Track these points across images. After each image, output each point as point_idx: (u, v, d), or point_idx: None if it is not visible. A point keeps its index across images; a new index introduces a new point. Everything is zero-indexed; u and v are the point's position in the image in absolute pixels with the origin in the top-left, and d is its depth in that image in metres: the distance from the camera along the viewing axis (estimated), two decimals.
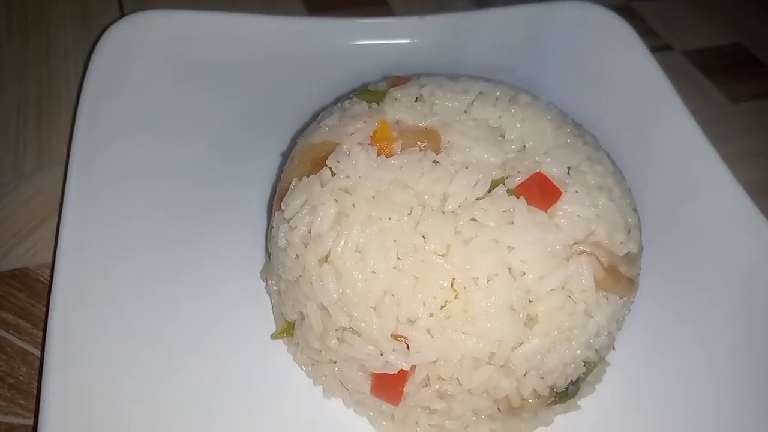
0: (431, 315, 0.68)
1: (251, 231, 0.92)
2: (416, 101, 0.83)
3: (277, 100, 1.08)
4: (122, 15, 1.23)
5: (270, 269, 0.85)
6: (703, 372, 0.87)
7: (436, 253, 0.69)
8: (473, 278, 0.69)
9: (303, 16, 1.23)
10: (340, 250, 0.71)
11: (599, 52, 1.22)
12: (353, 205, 0.72)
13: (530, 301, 0.70)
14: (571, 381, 0.77)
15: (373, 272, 0.70)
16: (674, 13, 1.64)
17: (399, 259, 0.70)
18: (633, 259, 0.78)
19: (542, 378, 0.72)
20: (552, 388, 0.75)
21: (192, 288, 0.87)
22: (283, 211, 0.78)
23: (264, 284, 0.88)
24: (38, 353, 0.84)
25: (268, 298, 0.87)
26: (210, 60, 1.11)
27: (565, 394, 0.77)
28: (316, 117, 0.90)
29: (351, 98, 0.87)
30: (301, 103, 1.05)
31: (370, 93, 0.86)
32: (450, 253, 0.69)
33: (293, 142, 0.91)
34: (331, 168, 0.76)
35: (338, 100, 0.92)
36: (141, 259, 0.88)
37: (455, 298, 0.69)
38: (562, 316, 0.70)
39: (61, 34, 1.27)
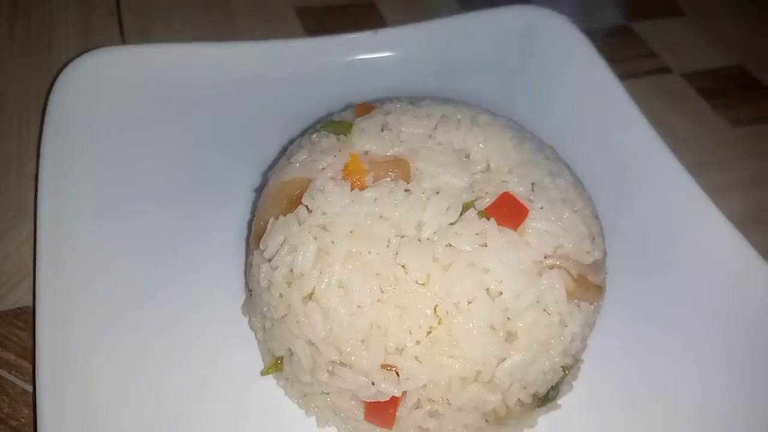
0: (418, 342, 0.71)
1: (229, 267, 0.93)
2: (382, 130, 0.85)
3: (246, 130, 1.08)
4: (123, 39, 1.26)
5: (252, 306, 0.86)
6: (672, 362, 0.92)
7: (417, 282, 0.72)
8: (455, 303, 0.72)
9: (265, 40, 1.23)
10: (324, 287, 0.73)
11: (552, 57, 1.26)
12: (332, 242, 0.75)
13: (509, 319, 0.74)
14: (552, 386, 0.81)
15: (358, 306, 0.72)
16: (674, 34, 1.62)
17: (382, 291, 0.72)
18: (599, 265, 0.83)
19: (525, 388, 0.77)
20: (534, 395, 0.79)
21: (174, 326, 0.87)
22: (263, 251, 0.79)
23: (247, 320, 0.89)
24: None
25: (252, 334, 0.88)
26: (174, 94, 1.11)
27: (547, 398, 0.82)
28: (285, 150, 0.91)
29: (318, 131, 0.89)
30: (270, 132, 1.06)
31: (336, 125, 0.88)
32: (430, 281, 0.72)
33: (265, 177, 0.92)
34: (306, 206, 0.78)
35: (305, 131, 0.94)
36: (119, 302, 0.88)
37: (439, 323, 0.72)
38: (540, 329, 0.75)
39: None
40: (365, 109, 0.91)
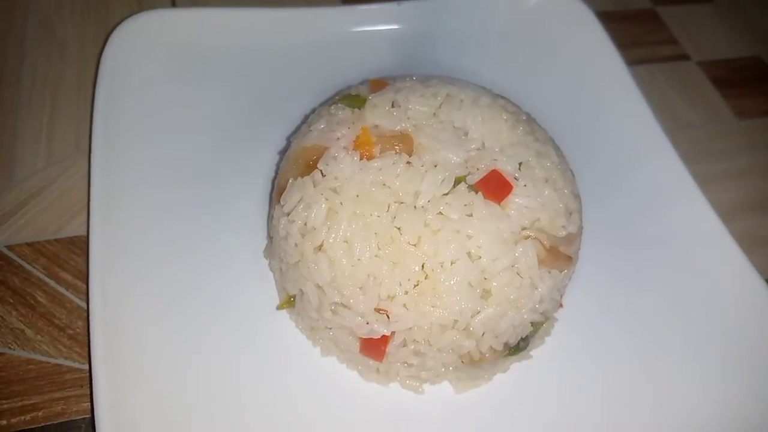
0: (406, 292, 0.85)
1: (255, 217, 1.07)
2: (392, 107, 0.97)
3: (276, 96, 1.21)
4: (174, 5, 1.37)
5: (272, 251, 1.01)
6: (643, 326, 1.03)
7: (409, 243, 0.86)
8: (440, 262, 0.85)
9: (328, 6, 1.35)
10: (331, 241, 0.87)
11: (561, 36, 1.35)
12: (341, 204, 0.88)
13: (485, 279, 0.87)
14: (522, 338, 0.95)
15: (358, 259, 0.86)
16: (699, 21, 1.65)
17: (379, 248, 0.86)
18: (572, 239, 0.95)
19: (497, 337, 0.90)
20: (506, 344, 0.93)
21: (206, 264, 1.02)
22: (282, 206, 0.93)
23: (268, 262, 1.04)
24: None
25: (272, 275, 1.03)
26: (212, 56, 1.23)
27: (517, 348, 0.96)
28: (306, 119, 1.04)
29: (336, 103, 1.01)
30: (296, 100, 1.19)
31: (352, 99, 1.00)
32: (420, 242, 0.86)
33: (288, 142, 1.05)
34: (321, 170, 0.91)
35: (326, 102, 1.06)
36: (160, 237, 1.03)
37: (425, 278, 0.85)
38: (511, 289, 0.88)
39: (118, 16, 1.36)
40: (379, 84, 1.02)
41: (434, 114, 0.97)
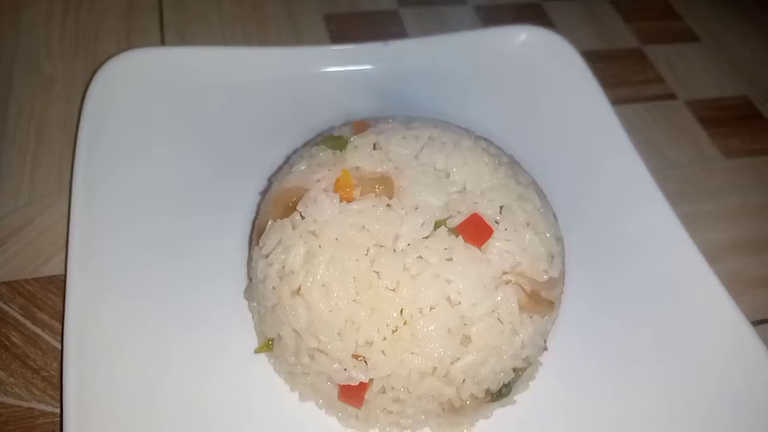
0: (384, 339, 0.84)
1: (236, 257, 1.06)
2: (374, 149, 0.97)
3: (258, 136, 1.21)
4: (162, 40, 1.40)
5: (251, 293, 1.00)
6: (628, 369, 1.01)
7: (387, 288, 0.85)
8: (419, 308, 0.84)
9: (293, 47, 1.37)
10: (309, 285, 0.86)
11: (547, 76, 1.37)
12: (320, 247, 0.87)
13: (465, 324, 0.85)
14: (504, 384, 0.93)
15: (336, 304, 0.85)
16: (686, 60, 1.66)
17: (357, 293, 0.85)
18: (554, 283, 0.94)
19: (478, 384, 0.89)
20: (488, 391, 0.91)
21: (185, 305, 1.00)
22: (261, 248, 0.92)
23: (248, 304, 1.03)
24: None
25: (251, 316, 1.01)
26: (197, 95, 1.24)
27: (500, 394, 0.94)
28: (288, 159, 1.04)
29: (318, 144, 1.01)
30: (278, 140, 1.19)
31: (334, 140, 1.00)
32: (399, 287, 0.84)
33: (269, 182, 1.05)
34: (300, 212, 0.91)
35: (308, 143, 1.06)
36: (138, 278, 1.01)
37: (404, 324, 0.84)
38: (492, 335, 0.86)
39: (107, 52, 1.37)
40: (362, 126, 1.02)
41: (416, 156, 0.97)
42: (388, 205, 0.90)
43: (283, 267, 0.89)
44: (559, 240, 0.98)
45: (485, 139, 1.05)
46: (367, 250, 0.87)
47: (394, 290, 0.85)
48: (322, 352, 0.86)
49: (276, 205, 0.95)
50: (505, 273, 0.88)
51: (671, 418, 0.98)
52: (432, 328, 0.84)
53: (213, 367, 0.96)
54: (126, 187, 1.10)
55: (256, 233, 0.97)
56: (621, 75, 1.60)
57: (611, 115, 1.30)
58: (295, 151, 1.07)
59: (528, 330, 0.89)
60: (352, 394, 0.88)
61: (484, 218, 0.90)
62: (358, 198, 0.91)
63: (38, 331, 1.01)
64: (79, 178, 1.07)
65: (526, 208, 0.95)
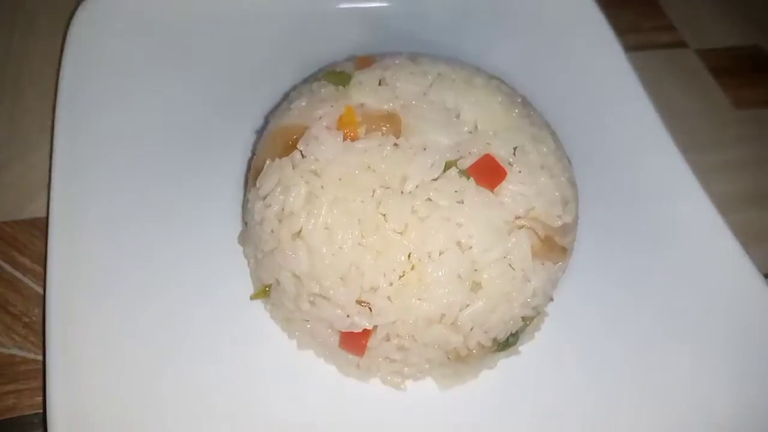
0: (391, 284, 0.79)
1: (230, 200, 1.00)
2: (379, 85, 0.91)
3: (253, 74, 1.13)
4: None
5: (247, 238, 0.94)
6: (634, 324, 0.98)
7: (395, 231, 0.79)
8: (427, 252, 0.79)
9: None
10: (310, 227, 0.81)
11: (559, 22, 1.30)
12: (322, 187, 0.82)
13: (476, 270, 0.81)
14: (511, 333, 0.89)
15: (340, 248, 0.80)
16: (698, 8, 1.58)
17: (363, 236, 0.80)
18: (568, 229, 0.90)
19: (486, 332, 0.85)
20: (494, 340, 0.88)
21: (176, 249, 0.95)
22: (258, 189, 0.87)
23: (242, 249, 0.97)
24: None
25: (246, 262, 0.96)
26: (188, 28, 1.16)
27: (506, 344, 0.90)
28: (286, 96, 0.97)
29: (319, 80, 0.94)
30: (274, 77, 1.11)
31: (336, 75, 0.93)
32: (407, 230, 0.79)
33: (266, 120, 0.98)
34: (301, 151, 0.85)
35: (307, 79, 0.99)
36: (125, 219, 0.96)
37: (411, 269, 0.79)
38: (503, 282, 0.82)
39: None
40: (365, 61, 0.96)
41: (424, 94, 0.91)
42: (395, 145, 0.84)
43: (283, 209, 0.83)
44: (573, 184, 0.94)
45: (497, 78, 0.99)
46: (373, 192, 0.81)
47: (401, 233, 0.80)
48: (324, 297, 0.82)
49: (274, 143, 0.89)
50: (518, 217, 0.84)
51: (679, 372, 0.95)
52: (441, 273, 0.79)
53: (206, 314, 0.91)
54: (113, 127, 1.03)
55: (253, 174, 0.91)
56: (632, 22, 1.52)
57: (624, 63, 1.24)
58: (294, 88, 1.00)
59: (540, 277, 0.85)
60: (354, 341, 0.83)
61: (497, 159, 0.85)
62: (362, 136, 0.85)
63: (19, 275, 0.95)
64: (63, 116, 1.00)
65: (540, 150, 0.90)
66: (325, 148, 0.84)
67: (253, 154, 0.99)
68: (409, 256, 0.79)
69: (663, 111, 1.24)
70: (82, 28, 1.10)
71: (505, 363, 0.94)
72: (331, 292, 0.81)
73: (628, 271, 1.03)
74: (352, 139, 0.85)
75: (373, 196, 0.81)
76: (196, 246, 0.96)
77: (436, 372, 0.89)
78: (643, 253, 1.05)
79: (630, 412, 0.91)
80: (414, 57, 0.97)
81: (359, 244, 0.80)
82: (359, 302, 0.80)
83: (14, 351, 0.89)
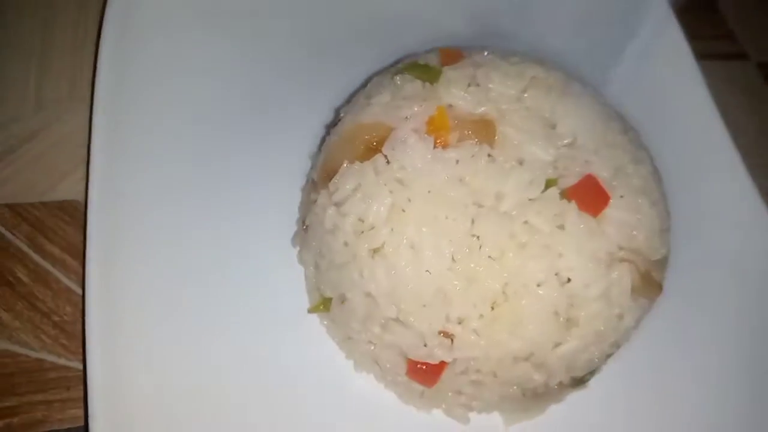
0: (481, 316, 0.71)
1: (286, 195, 0.91)
2: (470, 85, 0.81)
3: (319, 59, 1.03)
4: None
5: (305, 241, 0.85)
6: (710, 360, 0.92)
7: (490, 257, 0.71)
8: (524, 284, 0.71)
9: None
10: (394, 244, 0.72)
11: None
12: (409, 200, 0.72)
13: (572, 305, 0.73)
14: (591, 371, 0.82)
15: (427, 271, 0.71)
16: (761, 17, 1.48)
17: (454, 260, 0.71)
18: (664, 262, 0.82)
19: (569, 371, 0.77)
20: (573, 377, 0.80)
21: (224, 247, 0.87)
22: (332, 193, 0.77)
23: (297, 251, 0.88)
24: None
25: (300, 268, 0.87)
26: (249, 6, 1.04)
27: (582, 380, 0.83)
28: (362, 88, 0.87)
29: (402, 72, 0.84)
30: (346, 63, 1.01)
31: (422, 69, 0.82)
32: (504, 256, 0.71)
33: (336, 114, 0.88)
34: (386, 156, 0.75)
35: (385, 69, 0.89)
36: (172, 212, 0.87)
37: (505, 301, 0.71)
38: (600, 321, 0.74)
39: None
40: (452, 55, 0.85)
41: (518, 99, 0.81)
42: (489, 156, 0.75)
43: (361, 219, 0.74)
44: (669, 213, 0.85)
45: (593, 86, 0.89)
46: (466, 209, 0.72)
47: (496, 260, 0.71)
48: (400, 323, 0.73)
49: (352, 143, 0.78)
50: (621, 248, 0.75)
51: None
52: (537, 308, 0.71)
53: (255, 323, 0.83)
54: (158, 104, 0.92)
55: (322, 174, 0.81)
56: (692, 28, 1.40)
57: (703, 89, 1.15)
58: (370, 79, 0.90)
59: (634, 315, 0.77)
60: (426, 372, 0.75)
61: (600, 181, 0.76)
62: (454, 144, 0.76)
63: (48, 266, 0.85)
64: (104, 87, 0.88)
65: (641, 172, 0.81)
66: (413, 154, 0.74)
67: (319, 149, 0.89)
68: (504, 286, 0.71)
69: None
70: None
71: (571, 396, 0.86)
72: (411, 318, 0.72)
73: (707, 307, 0.96)
74: (444, 147, 0.75)
75: (466, 214, 0.72)
76: (245, 245, 0.88)
77: (505, 406, 0.81)
78: (719, 291, 0.98)
79: None
80: (505, 54, 0.87)
81: (449, 269, 0.71)
82: (442, 333, 0.72)
83: (43, 355, 0.79)
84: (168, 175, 0.88)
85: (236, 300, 0.84)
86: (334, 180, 0.77)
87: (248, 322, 0.83)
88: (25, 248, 0.85)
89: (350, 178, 0.76)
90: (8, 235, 0.86)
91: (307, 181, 0.91)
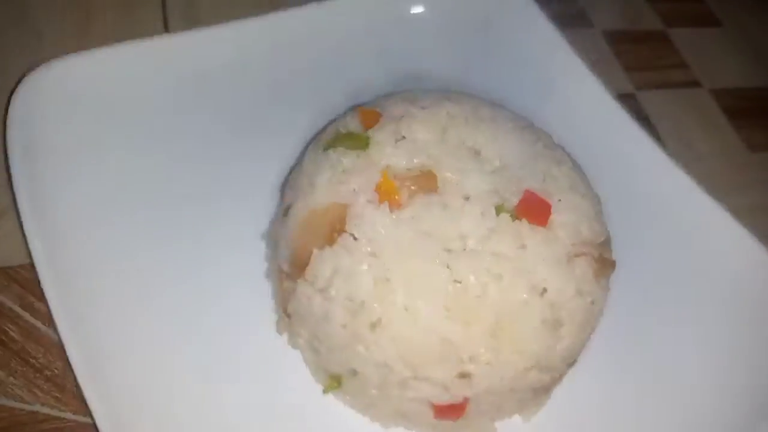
0: (487, 349, 0.78)
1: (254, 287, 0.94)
2: (397, 141, 0.86)
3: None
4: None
5: (292, 328, 0.88)
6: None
7: (477, 296, 0.77)
8: (511, 309, 0.78)
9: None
10: (389, 314, 0.77)
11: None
12: (388, 269, 0.77)
13: (555, 310, 0.81)
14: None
15: (427, 326, 0.76)
16: (711, 45, 1.57)
17: (447, 309, 0.77)
18: (608, 240, 0.92)
19: (568, 362, 0.86)
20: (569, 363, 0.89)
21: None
22: (312, 282, 0.80)
23: (286, 337, 0.91)
24: None
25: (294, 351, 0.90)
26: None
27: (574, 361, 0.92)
28: (297, 166, 0.91)
29: (333, 146, 0.88)
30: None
31: (351, 139, 0.87)
32: (487, 292, 0.78)
33: (282, 193, 0.94)
34: (353, 234, 0.79)
35: (314, 143, 0.93)
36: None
37: (502, 329, 0.78)
38: (580, 313, 0.83)
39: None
40: (370, 115, 0.90)
41: (443, 140, 0.88)
42: (441, 203, 0.81)
43: (350, 299, 0.78)
44: (595, 195, 0.96)
45: (499, 105, 0.97)
46: (439, 259, 0.78)
47: (481, 297, 0.78)
48: (419, 379, 0.79)
49: (313, 230, 0.82)
50: (574, 245, 0.84)
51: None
52: (529, 323, 0.79)
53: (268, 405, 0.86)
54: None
55: (295, 265, 0.84)
56: (647, 59, 1.51)
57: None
58: (303, 155, 0.93)
59: (600, 297, 0.87)
60: (452, 410, 0.82)
61: (537, 193, 0.85)
62: (406, 202, 0.81)
63: (38, 324, 0.90)
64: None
65: (564, 171, 0.91)
66: (375, 225, 0.79)
67: (270, 233, 0.93)
68: (497, 318, 0.78)
69: (682, 152, 1.24)
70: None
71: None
72: (428, 372, 0.78)
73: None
74: (397, 208, 0.81)
75: (440, 263, 0.78)
76: (234, 339, 0.89)
77: (522, 408, 0.89)
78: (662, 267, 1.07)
79: None
80: (414, 99, 0.93)
81: (446, 318, 0.77)
82: (458, 374, 0.78)
83: (37, 408, 0.83)
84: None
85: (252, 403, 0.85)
86: (309, 269, 0.81)
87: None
88: (15, 308, 0.90)
89: (325, 263, 0.80)
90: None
91: (272, 268, 0.93)
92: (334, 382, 0.85)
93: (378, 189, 0.82)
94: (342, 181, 0.84)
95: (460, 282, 0.77)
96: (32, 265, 0.86)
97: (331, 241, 0.81)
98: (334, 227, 0.81)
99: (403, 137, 0.87)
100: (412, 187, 0.82)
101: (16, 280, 0.92)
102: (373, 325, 0.78)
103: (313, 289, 0.81)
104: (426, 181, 0.83)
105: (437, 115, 0.90)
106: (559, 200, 0.86)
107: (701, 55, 1.56)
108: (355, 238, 0.79)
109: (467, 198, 0.83)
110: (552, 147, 0.95)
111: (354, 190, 0.82)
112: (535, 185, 0.86)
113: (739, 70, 1.56)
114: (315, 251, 0.81)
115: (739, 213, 1.10)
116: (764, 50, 1.62)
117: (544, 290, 0.80)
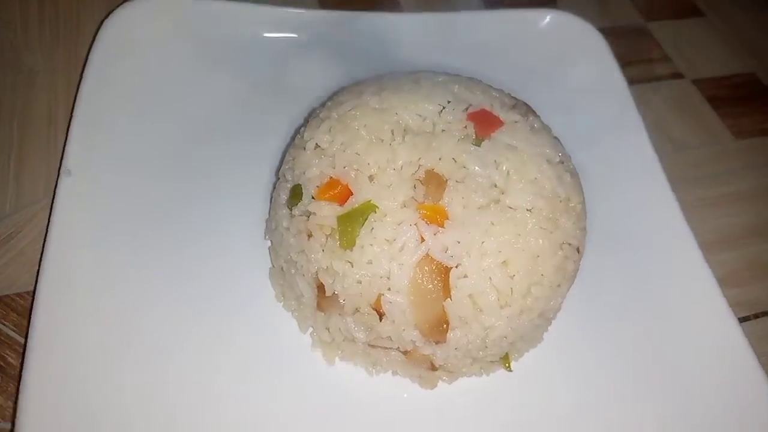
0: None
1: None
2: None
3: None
4: None
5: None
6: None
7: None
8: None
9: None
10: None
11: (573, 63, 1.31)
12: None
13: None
14: None
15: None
16: (691, 37, 1.57)
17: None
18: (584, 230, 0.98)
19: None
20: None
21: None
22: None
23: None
24: None
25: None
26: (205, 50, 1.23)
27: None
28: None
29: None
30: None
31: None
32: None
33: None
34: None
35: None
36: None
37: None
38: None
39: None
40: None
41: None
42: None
43: None
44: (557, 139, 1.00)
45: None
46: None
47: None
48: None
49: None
50: (528, 210, 0.90)
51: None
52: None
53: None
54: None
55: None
56: (628, 54, 1.47)
57: (629, 101, 1.25)
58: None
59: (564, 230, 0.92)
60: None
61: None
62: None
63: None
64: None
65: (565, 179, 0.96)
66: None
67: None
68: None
69: (663, 145, 1.26)
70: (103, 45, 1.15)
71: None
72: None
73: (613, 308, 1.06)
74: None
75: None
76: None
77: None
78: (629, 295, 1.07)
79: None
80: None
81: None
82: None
83: None
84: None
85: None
86: None
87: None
88: (13, 335, 0.94)
89: None
90: None
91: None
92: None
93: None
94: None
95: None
96: (28, 293, 0.94)
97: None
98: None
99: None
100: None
101: (13, 308, 0.96)
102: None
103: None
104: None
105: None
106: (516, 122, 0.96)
107: (683, 47, 1.57)
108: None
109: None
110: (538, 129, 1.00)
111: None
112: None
113: (722, 59, 1.56)
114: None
115: (727, 201, 1.16)
116: (747, 37, 1.61)
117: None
